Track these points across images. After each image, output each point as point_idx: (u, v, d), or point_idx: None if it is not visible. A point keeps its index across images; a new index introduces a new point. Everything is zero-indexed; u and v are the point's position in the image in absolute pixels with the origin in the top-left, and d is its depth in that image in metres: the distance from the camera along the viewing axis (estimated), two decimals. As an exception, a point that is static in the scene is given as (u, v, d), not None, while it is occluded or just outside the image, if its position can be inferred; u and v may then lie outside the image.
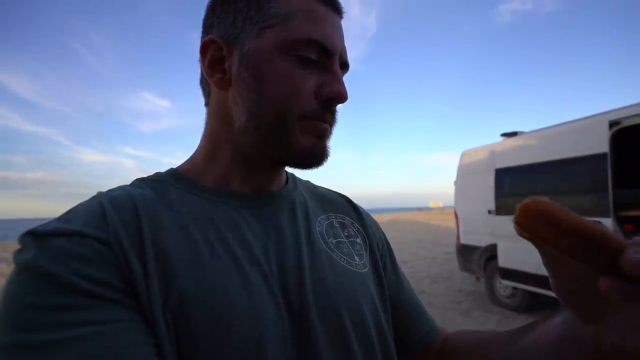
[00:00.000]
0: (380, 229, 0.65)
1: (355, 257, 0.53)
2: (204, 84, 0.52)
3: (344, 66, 0.49)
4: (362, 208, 0.63)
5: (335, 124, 0.49)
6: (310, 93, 0.44)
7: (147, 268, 0.37)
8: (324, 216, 0.56)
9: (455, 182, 5.96)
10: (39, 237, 0.35)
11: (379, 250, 0.59)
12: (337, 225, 0.56)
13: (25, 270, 0.34)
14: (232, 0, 0.46)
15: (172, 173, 0.50)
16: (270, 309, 0.41)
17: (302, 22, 0.44)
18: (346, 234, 0.56)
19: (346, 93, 0.45)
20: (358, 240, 0.56)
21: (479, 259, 5.07)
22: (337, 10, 0.48)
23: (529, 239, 0.30)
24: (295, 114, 0.44)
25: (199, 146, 0.52)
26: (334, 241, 0.52)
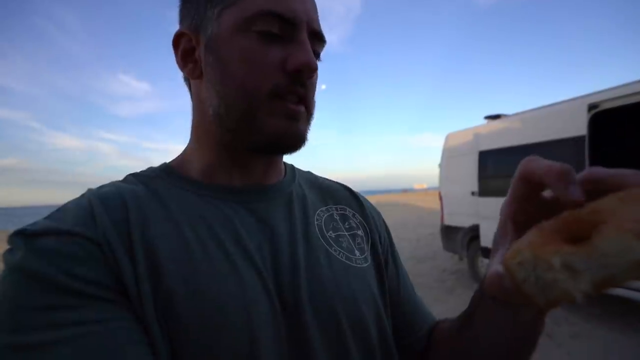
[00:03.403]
0: (383, 220, 0.62)
1: (356, 251, 0.51)
2: (186, 80, 0.51)
3: (317, 37, 0.46)
4: (364, 198, 0.61)
5: (313, 102, 0.47)
6: (276, 67, 0.42)
7: (137, 267, 0.36)
8: (323, 208, 0.54)
9: (440, 165, 6.05)
10: (28, 237, 0.35)
11: (381, 243, 0.57)
12: (337, 217, 0.54)
13: (14, 271, 0.33)
14: None
15: (164, 168, 0.49)
16: (264, 307, 0.40)
17: None
18: (347, 226, 0.54)
19: (314, 62, 0.42)
20: (359, 232, 0.54)
21: (462, 239, 5.21)
22: None
23: None
24: (262, 92, 0.42)
25: (188, 140, 0.51)
26: (333, 235, 0.51)
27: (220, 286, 0.38)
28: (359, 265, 0.50)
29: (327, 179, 0.62)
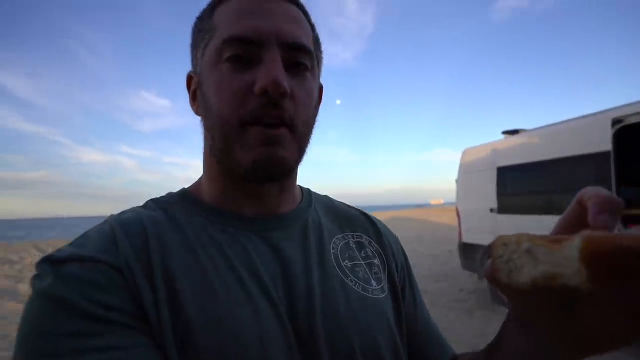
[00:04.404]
0: (401, 246, 0.62)
1: (373, 282, 0.50)
2: None
3: (296, 48, 0.43)
4: (382, 224, 0.61)
5: (299, 122, 0.44)
6: (245, 93, 0.41)
7: (157, 294, 0.37)
8: (340, 236, 0.54)
9: (457, 181, 5.95)
10: (55, 264, 0.36)
11: (398, 271, 0.56)
12: (353, 245, 0.54)
13: (42, 297, 0.35)
14: (194, 32, 0.50)
15: (183, 194, 0.50)
16: (279, 337, 0.40)
17: (226, 25, 0.43)
18: (363, 255, 0.53)
19: (279, 79, 0.40)
20: (376, 261, 0.54)
21: (481, 258, 5.06)
22: None
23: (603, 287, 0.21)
24: (234, 121, 0.42)
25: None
26: (349, 264, 0.50)
27: (236, 316, 0.39)
28: (375, 297, 0.49)
29: (344, 204, 0.62)
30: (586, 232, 0.22)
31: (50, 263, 0.37)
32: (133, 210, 0.46)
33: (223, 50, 0.43)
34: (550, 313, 0.28)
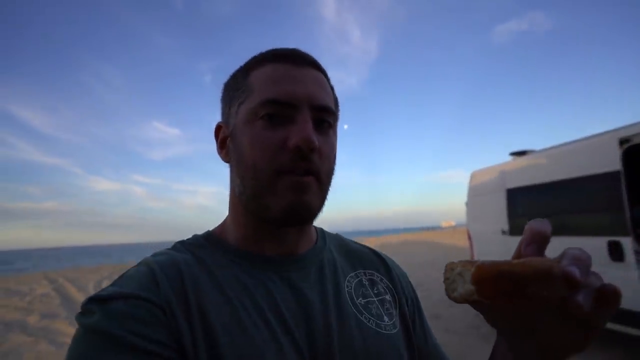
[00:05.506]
0: (409, 280, 0.65)
1: (385, 317, 0.54)
2: None
3: (323, 110, 0.49)
4: (390, 260, 0.65)
5: (325, 173, 0.49)
6: (279, 147, 0.46)
7: (194, 332, 0.40)
8: (352, 274, 0.57)
9: (467, 203, 5.89)
10: (100, 302, 0.40)
11: (408, 305, 0.59)
12: (366, 282, 0.57)
13: (89, 332, 0.38)
14: (226, 89, 0.55)
15: (208, 236, 0.54)
16: None
17: (263, 88, 0.48)
18: (375, 291, 0.57)
19: (310, 137, 0.45)
20: (387, 297, 0.57)
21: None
22: (303, 63, 0.50)
23: (487, 301, 0.29)
24: (268, 172, 0.46)
25: (228, 211, 0.57)
26: (362, 301, 0.53)
27: (263, 353, 0.42)
28: (388, 332, 0.52)
29: (354, 242, 0.66)
30: (484, 260, 0.29)
31: (96, 301, 0.40)
32: (165, 252, 0.50)
33: (259, 109, 0.48)
34: (508, 325, 0.36)
